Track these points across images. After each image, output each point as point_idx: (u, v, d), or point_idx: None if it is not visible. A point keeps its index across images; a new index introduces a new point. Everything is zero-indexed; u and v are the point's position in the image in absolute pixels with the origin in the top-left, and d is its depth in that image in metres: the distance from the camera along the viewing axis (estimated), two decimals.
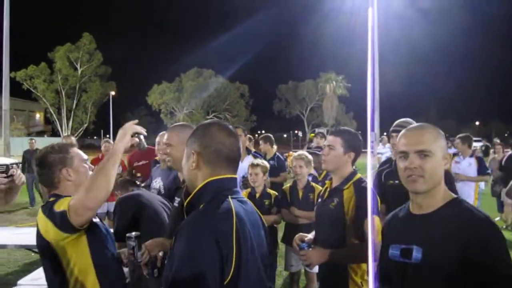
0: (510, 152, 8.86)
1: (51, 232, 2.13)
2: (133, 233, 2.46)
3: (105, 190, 2.09)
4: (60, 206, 2.10)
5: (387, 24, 36.94)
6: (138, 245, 2.45)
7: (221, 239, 1.46)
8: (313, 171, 5.17)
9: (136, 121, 2.38)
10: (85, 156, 2.43)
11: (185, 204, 1.67)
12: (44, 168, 2.31)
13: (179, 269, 1.43)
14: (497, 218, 9.26)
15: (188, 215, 1.60)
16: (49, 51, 47.69)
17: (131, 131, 2.28)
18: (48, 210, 2.14)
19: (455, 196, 1.77)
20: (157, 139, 3.87)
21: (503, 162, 8.81)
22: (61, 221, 2.07)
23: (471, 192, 6.84)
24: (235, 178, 1.75)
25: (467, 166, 6.89)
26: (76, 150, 2.40)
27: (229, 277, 1.45)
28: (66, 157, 2.33)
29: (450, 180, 3.63)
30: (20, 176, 2.43)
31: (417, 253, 1.66)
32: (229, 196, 1.63)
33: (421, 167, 1.70)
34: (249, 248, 1.54)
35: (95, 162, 7.30)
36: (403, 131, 1.85)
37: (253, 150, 6.32)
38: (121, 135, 2.25)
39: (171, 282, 1.43)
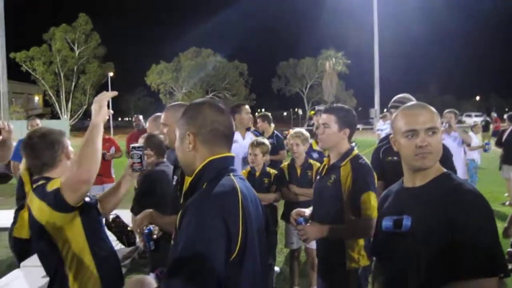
0: (510, 128, 8.68)
1: (46, 213, 2.14)
2: (137, 144, 2.55)
3: (95, 161, 2.14)
4: (53, 185, 2.12)
5: (387, 1, 36.55)
6: (143, 155, 2.55)
7: (227, 216, 1.48)
8: (318, 148, 5.16)
9: (109, 92, 2.35)
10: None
11: (188, 184, 1.67)
12: (47, 147, 2.32)
13: (186, 246, 1.44)
14: (506, 194, 9.22)
15: (192, 194, 1.61)
16: (44, 32, 47.29)
17: (105, 101, 2.27)
18: (41, 191, 2.16)
19: (445, 170, 1.82)
20: (147, 124, 3.87)
21: (503, 139, 8.73)
22: (56, 200, 2.10)
23: (460, 167, 6.84)
24: (233, 156, 1.77)
25: (453, 140, 6.86)
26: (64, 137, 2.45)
27: (235, 253, 1.48)
28: (65, 139, 2.40)
29: (448, 154, 3.66)
30: (5, 124, 2.45)
31: (406, 222, 1.73)
32: (231, 174, 1.65)
33: (430, 144, 1.74)
34: (253, 225, 1.58)
35: None
36: (405, 110, 1.85)
37: (252, 128, 6.32)
38: (97, 109, 2.24)
39: (178, 258, 1.44)
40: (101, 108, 2.24)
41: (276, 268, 5.31)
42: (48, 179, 2.26)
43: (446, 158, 3.80)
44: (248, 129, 5.60)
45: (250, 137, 5.29)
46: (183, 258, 1.43)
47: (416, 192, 1.80)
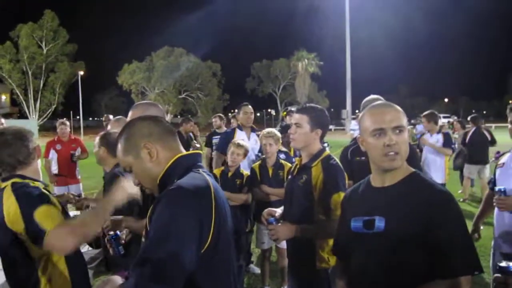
0: (473, 129, 9.11)
1: (19, 229, 2.08)
2: (111, 233, 2.52)
3: (87, 237, 2.11)
4: (42, 222, 2.03)
5: (357, 4, 37.07)
6: (118, 241, 2.51)
7: (200, 208, 1.49)
8: (283, 148, 5.20)
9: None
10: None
11: (158, 181, 1.64)
12: (22, 143, 2.26)
13: (157, 236, 1.43)
14: (460, 191, 9.58)
15: (162, 191, 1.60)
16: (11, 30, 46.07)
17: (125, 193, 2.22)
18: (26, 206, 2.08)
19: (414, 170, 1.84)
20: (109, 127, 3.75)
21: (467, 139, 9.07)
22: (34, 235, 2.04)
23: (443, 165, 7.00)
24: (200, 154, 1.78)
25: (435, 142, 7.04)
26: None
27: (206, 246, 1.48)
28: (32, 138, 2.33)
29: (415, 155, 3.73)
30: None
31: (379, 223, 1.73)
32: (200, 170, 1.67)
33: (398, 143, 1.73)
34: (223, 220, 1.58)
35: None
36: (371, 109, 1.85)
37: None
38: (120, 193, 2.21)
39: (148, 247, 1.43)
40: (122, 196, 2.21)
41: (254, 268, 5.30)
42: (23, 177, 2.21)
43: (413, 157, 3.88)
44: (252, 130, 5.60)
45: (254, 138, 5.34)
46: (152, 248, 1.41)
47: (387, 192, 1.80)
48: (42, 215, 2.05)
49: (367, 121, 1.82)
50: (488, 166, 8.97)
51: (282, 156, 5.02)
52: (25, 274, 2.17)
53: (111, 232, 2.57)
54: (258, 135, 6.74)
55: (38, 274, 2.16)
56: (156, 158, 1.63)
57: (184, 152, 1.70)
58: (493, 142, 9.14)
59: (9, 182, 2.21)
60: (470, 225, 3.39)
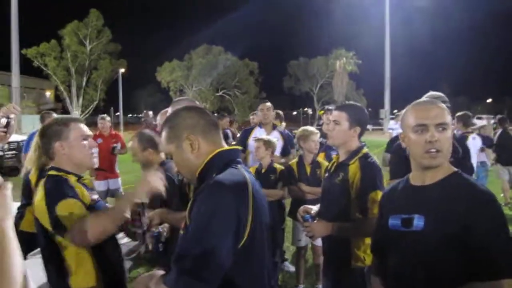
0: (500, 130, 9.05)
1: (43, 221, 2.14)
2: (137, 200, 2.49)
3: (106, 234, 2.13)
4: (65, 217, 2.07)
5: (398, 1, 36.31)
6: (142, 211, 2.47)
7: (239, 205, 1.51)
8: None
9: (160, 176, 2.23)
10: (87, 132, 2.39)
11: (197, 174, 1.67)
12: (43, 138, 2.32)
13: (196, 231, 1.46)
14: (502, 195, 9.23)
15: (201, 185, 1.62)
16: (58, 28, 47.58)
17: (149, 187, 2.18)
18: (51, 200, 2.12)
19: (456, 169, 1.80)
20: (158, 118, 3.78)
21: (495, 140, 8.94)
22: (56, 227, 2.09)
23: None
24: (240, 150, 1.82)
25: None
26: (77, 125, 2.36)
27: (243, 242, 1.50)
28: (63, 131, 2.31)
29: (467, 154, 3.68)
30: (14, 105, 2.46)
31: (418, 222, 1.72)
32: (239, 166, 1.69)
33: (440, 140, 1.71)
34: (262, 217, 1.61)
35: (93, 138, 7.21)
36: (415, 105, 1.84)
37: (282, 127, 6.33)
38: (143, 189, 2.18)
39: (188, 242, 1.46)
40: (143, 192, 2.17)
41: (289, 266, 5.31)
42: (57, 170, 2.26)
43: (465, 157, 3.79)
44: (274, 127, 5.53)
45: (275, 135, 5.22)
46: (191, 243, 1.45)
47: (427, 191, 1.78)
48: (64, 210, 2.08)
49: (410, 117, 1.81)
50: None
51: (334, 153, 4.98)
52: (54, 262, 2.23)
53: (154, 229, 2.60)
54: (293, 134, 6.75)
55: (66, 262, 2.21)
56: (197, 150, 1.66)
57: (225, 147, 1.73)
58: None
59: (48, 173, 2.28)
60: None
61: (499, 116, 9.43)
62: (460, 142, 3.81)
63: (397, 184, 1.99)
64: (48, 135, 2.31)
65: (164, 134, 1.74)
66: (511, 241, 1.63)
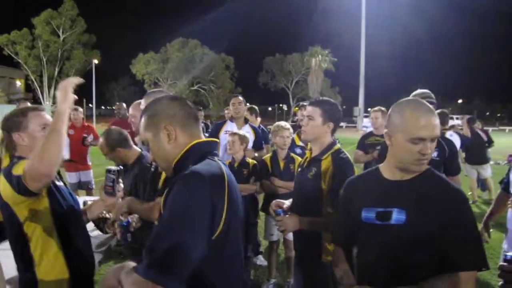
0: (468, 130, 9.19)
1: (9, 194, 2.11)
2: (114, 167, 2.45)
3: (57, 155, 2.06)
4: (17, 170, 2.07)
5: (375, 1, 36.74)
6: (117, 179, 2.44)
7: (214, 195, 1.50)
8: (301, 143, 5.19)
9: (74, 78, 2.26)
10: (48, 121, 2.33)
11: (173, 164, 1.66)
12: (4, 131, 2.29)
13: (170, 220, 1.45)
14: (469, 193, 9.44)
15: (176, 175, 1.62)
16: (31, 16, 46.37)
17: (70, 87, 2.19)
18: (7, 171, 2.12)
19: (428, 166, 1.86)
20: (130, 110, 3.71)
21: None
22: (18, 185, 2.05)
23: None
24: (218, 142, 1.80)
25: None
26: (36, 114, 2.31)
27: (217, 233, 1.50)
28: (21, 122, 2.28)
29: (455, 152, 3.78)
30: None
31: (399, 215, 1.76)
32: (215, 158, 1.68)
33: (431, 151, 1.78)
34: (235, 208, 1.60)
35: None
36: (419, 113, 1.78)
37: (254, 121, 6.30)
38: (62, 95, 2.16)
39: (161, 231, 1.45)
40: (67, 94, 2.16)
41: (262, 260, 5.33)
42: (19, 158, 2.22)
43: (453, 156, 3.86)
44: (246, 121, 5.51)
45: (246, 129, 5.20)
46: (163, 233, 1.43)
47: (405, 186, 1.82)
48: (18, 167, 2.09)
49: (412, 123, 1.77)
50: (487, 166, 9.15)
51: (298, 150, 5.02)
52: (21, 251, 2.21)
53: (122, 218, 2.57)
54: (269, 128, 6.76)
55: (31, 252, 2.19)
56: (174, 141, 1.65)
57: (203, 138, 1.72)
58: (489, 142, 9.24)
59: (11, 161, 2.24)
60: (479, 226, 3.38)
61: (467, 116, 9.65)
62: (447, 142, 3.88)
63: (365, 176, 2.03)
64: (7, 127, 2.28)
65: (142, 120, 1.71)
66: (478, 238, 1.75)
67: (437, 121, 1.78)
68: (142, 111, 1.75)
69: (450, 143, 3.91)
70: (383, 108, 5.42)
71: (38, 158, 2.00)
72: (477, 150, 8.99)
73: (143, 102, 2.54)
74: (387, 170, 1.91)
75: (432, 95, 3.82)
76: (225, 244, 1.54)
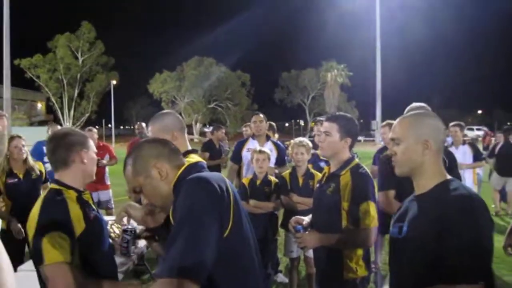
0: (502, 141, 9.08)
1: (29, 235, 2.10)
2: (130, 227, 2.46)
3: None
4: (46, 252, 1.98)
5: (389, 14, 36.76)
6: (133, 240, 2.45)
7: (219, 192, 1.55)
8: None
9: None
10: (95, 148, 2.41)
11: (172, 187, 1.73)
12: (60, 146, 2.25)
13: (181, 220, 1.49)
14: (493, 205, 9.24)
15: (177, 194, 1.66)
16: (48, 40, 47.50)
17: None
18: (41, 227, 2.05)
19: (449, 177, 1.82)
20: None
21: (496, 150, 9.05)
22: (35, 255, 2.03)
23: (468, 180, 6.86)
24: (204, 162, 1.91)
25: (463, 155, 6.90)
26: (90, 135, 2.41)
27: (228, 230, 1.54)
28: (85, 141, 2.32)
29: (452, 164, 3.70)
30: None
31: (405, 228, 1.80)
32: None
33: (395, 153, 1.87)
34: (241, 210, 1.66)
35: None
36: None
37: (275, 138, 6.31)
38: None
39: (174, 231, 1.48)
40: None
41: (282, 277, 5.29)
42: (60, 184, 2.22)
43: (451, 167, 3.81)
44: (268, 138, 5.51)
45: (269, 146, 5.19)
46: (179, 232, 1.46)
47: (418, 199, 1.84)
48: (49, 244, 2.01)
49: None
50: None
51: (323, 164, 4.99)
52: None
53: (128, 226, 2.53)
54: (286, 145, 6.75)
55: None
56: (166, 177, 1.72)
57: (191, 161, 1.82)
58: None
59: (50, 186, 2.25)
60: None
61: (505, 127, 9.51)
62: (447, 154, 3.83)
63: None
64: (70, 143, 2.26)
65: (129, 168, 1.76)
66: (481, 249, 1.61)
67: (396, 125, 1.91)
68: (126, 159, 1.80)
69: (450, 155, 3.86)
70: (391, 122, 5.39)
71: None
72: (510, 162, 8.76)
73: (149, 129, 2.56)
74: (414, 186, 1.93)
75: (427, 106, 3.77)
76: (237, 242, 1.59)
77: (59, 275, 1.97)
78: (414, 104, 3.78)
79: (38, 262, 2.02)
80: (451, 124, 7.20)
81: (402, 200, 2.07)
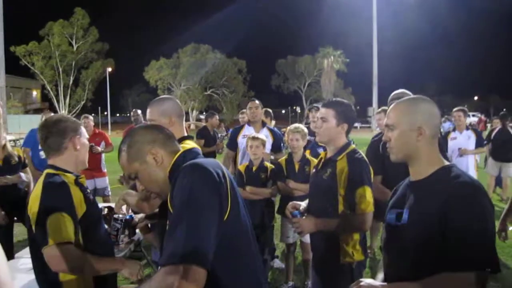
0: (499, 127, 9.08)
1: (31, 219, 2.13)
2: (121, 216, 2.46)
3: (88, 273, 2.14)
4: (51, 232, 2.05)
5: (385, 1, 36.54)
6: (123, 229, 2.45)
7: (216, 177, 1.55)
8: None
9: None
10: (87, 134, 2.45)
11: (167, 173, 1.73)
12: (53, 133, 2.28)
13: (180, 207, 1.48)
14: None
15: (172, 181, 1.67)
16: (41, 27, 47.07)
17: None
18: (44, 208, 2.09)
19: (447, 163, 1.82)
20: (148, 115, 3.73)
21: (492, 135, 9.05)
22: (39, 234, 2.07)
23: (471, 166, 6.91)
24: (199, 149, 1.91)
25: (467, 139, 6.94)
26: (82, 124, 2.42)
27: (227, 213, 1.54)
28: (78, 127, 2.36)
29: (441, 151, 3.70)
30: None
31: (405, 215, 1.77)
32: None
33: (390, 139, 1.87)
34: (237, 194, 1.66)
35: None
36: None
37: (272, 125, 6.30)
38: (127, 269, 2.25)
39: (174, 218, 1.48)
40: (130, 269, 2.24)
41: (279, 263, 5.32)
42: (56, 168, 2.25)
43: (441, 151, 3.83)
44: (263, 124, 5.52)
45: (264, 133, 5.20)
46: (179, 218, 1.46)
47: (417, 185, 1.83)
48: (54, 224, 2.06)
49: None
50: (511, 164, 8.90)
51: (321, 150, 4.99)
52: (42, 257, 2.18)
53: (119, 215, 2.52)
54: (282, 131, 6.74)
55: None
56: (161, 163, 1.72)
57: (186, 147, 1.82)
58: None
59: (45, 171, 2.27)
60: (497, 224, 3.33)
61: (502, 113, 9.51)
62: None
63: (404, 180, 2.01)
64: (63, 130, 2.29)
65: (124, 155, 1.75)
66: (486, 236, 1.61)
67: (390, 111, 1.91)
68: (120, 145, 1.79)
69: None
70: (386, 108, 5.40)
71: (74, 263, 2.05)
72: (505, 147, 8.78)
73: (148, 112, 2.56)
74: (410, 171, 1.92)
75: (409, 93, 3.77)
76: (235, 226, 1.59)
77: (64, 254, 2.02)
78: (400, 90, 3.78)
79: (43, 243, 2.05)
80: (455, 109, 7.28)
81: (389, 185, 2.08)
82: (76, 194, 2.22)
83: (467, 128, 7.16)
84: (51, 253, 2.04)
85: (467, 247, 1.56)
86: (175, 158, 1.72)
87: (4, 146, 4.48)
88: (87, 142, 2.40)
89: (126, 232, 2.49)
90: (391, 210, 1.89)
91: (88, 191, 2.37)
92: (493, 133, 9.07)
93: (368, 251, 3.40)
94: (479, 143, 7.18)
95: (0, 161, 4.45)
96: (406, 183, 1.94)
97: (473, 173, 6.77)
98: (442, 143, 3.87)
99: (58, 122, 2.32)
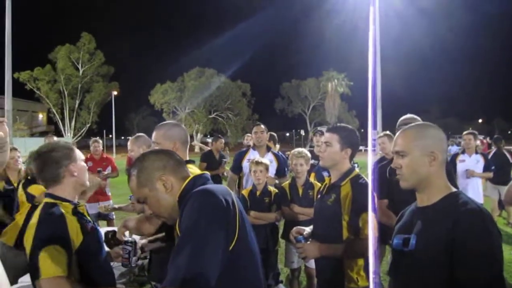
0: (494, 150, 9.11)
1: (26, 250, 2.09)
2: (131, 238, 2.45)
3: None
4: (43, 266, 1.98)
5: (388, 23, 36.86)
6: (134, 251, 2.44)
7: (226, 204, 1.56)
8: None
9: None
10: (82, 155, 2.42)
11: (177, 199, 1.73)
12: (48, 164, 2.26)
13: (186, 232, 1.49)
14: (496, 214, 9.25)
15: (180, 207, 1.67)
16: (49, 51, 47.74)
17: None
18: (39, 240, 2.05)
19: (454, 190, 1.82)
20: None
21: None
22: (32, 267, 2.02)
23: (479, 189, 6.90)
24: (209, 174, 1.89)
25: (475, 163, 6.94)
26: (76, 149, 2.41)
27: (233, 242, 1.54)
28: (71, 154, 2.32)
29: (450, 175, 3.69)
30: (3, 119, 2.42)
31: (412, 241, 1.75)
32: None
33: (401, 166, 1.84)
34: (246, 223, 1.66)
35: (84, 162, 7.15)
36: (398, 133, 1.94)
37: (276, 149, 6.31)
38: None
39: (180, 243, 1.48)
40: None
41: (283, 287, 5.26)
42: (52, 197, 2.23)
43: (449, 176, 3.82)
44: (268, 149, 5.52)
45: (269, 157, 5.22)
46: (184, 244, 1.46)
47: (424, 211, 1.82)
48: (46, 258, 2.01)
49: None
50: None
51: (325, 173, 4.98)
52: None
53: (129, 238, 2.52)
54: (286, 156, 6.74)
55: None
56: (171, 190, 1.72)
57: (195, 173, 1.82)
58: None
59: (43, 200, 2.24)
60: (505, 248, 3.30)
61: (495, 136, 9.54)
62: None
63: (410, 205, 2.02)
64: (56, 160, 2.26)
65: (133, 179, 1.75)
66: (492, 262, 1.60)
67: (398, 137, 1.90)
68: (130, 170, 1.79)
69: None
70: (388, 132, 5.42)
71: None
72: (502, 170, 8.76)
73: (154, 135, 2.59)
74: (417, 197, 1.92)
75: (418, 118, 3.79)
76: (243, 255, 1.59)
77: None
78: (408, 116, 3.80)
79: (35, 276, 2.01)
80: (465, 132, 7.35)
81: (395, 210, 2.07)
82: (73, 225, 2.17)
83: (476, 152, 7.17)
84: (43, 286, 2.00)
85: (474, 274, 1.56)
86: (184, 184, 1.73)
87: (20, 171, 4.77)
88: (83, 164, 2.37)
89: (139, 253, 2.47)
90: (397, 236, 1.88)
91: (88, 219, 2.33)
92: (489, 157, 9.08)
93: (373, 276, 3.37)
94: (486, 168, 7.18)
95: (15, 183, 4.64)
96: (413, 209, 1.94)
97: (481, 195, 6.76)
98: (450, 166, 3.87)
99: (51, 152, 2.29)
